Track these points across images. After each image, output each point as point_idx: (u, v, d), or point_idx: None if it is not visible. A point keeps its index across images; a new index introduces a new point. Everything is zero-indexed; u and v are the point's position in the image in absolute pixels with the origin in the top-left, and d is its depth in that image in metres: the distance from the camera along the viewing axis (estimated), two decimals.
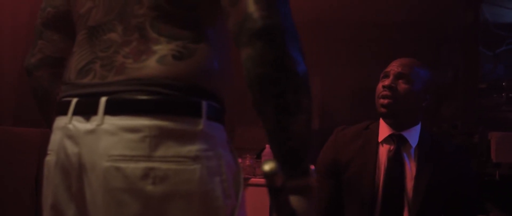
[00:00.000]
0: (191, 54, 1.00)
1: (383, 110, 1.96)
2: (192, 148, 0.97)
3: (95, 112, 0.99)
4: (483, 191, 2.76)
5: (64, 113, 1.06)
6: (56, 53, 1.26)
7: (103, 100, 0.99)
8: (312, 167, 1.00)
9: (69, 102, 1.05)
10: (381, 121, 2.04)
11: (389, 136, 1.99)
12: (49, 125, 1.30)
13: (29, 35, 3.06)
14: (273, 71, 0.91)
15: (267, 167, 0.89)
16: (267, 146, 3.27)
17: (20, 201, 2.68)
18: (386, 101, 1.94)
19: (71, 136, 1.02)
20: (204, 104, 1.00)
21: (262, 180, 3.05)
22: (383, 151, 1.99)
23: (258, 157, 3.36)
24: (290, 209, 0.96)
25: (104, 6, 1.08)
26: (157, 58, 0.99)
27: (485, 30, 3.67)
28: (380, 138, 2.00)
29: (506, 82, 2.96)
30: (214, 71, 1.03)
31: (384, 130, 2.01)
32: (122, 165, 0.95)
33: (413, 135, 1.98)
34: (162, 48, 1.00)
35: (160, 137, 0.95)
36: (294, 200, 0.97)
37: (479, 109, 3.07)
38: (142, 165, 0.94)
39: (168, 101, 0.97)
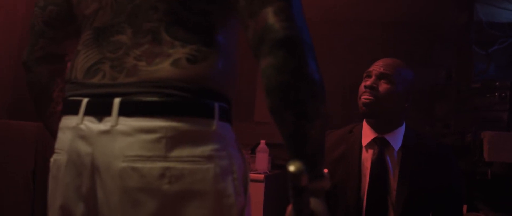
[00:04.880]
0: (204, 58, 1.03)
1: (363, 109, 1.97)
2: (206, 148, 1.00)
3: (108, 113, 1.01)
4: (475, 189, 2.79)
5: (74, 112, 1.07)
6: (59, 50, 1.27)
7: (117, 101, 1.01)
8: (326, 170, 1.04)
9: (79, 102, 1.06)
10: (365, 124, 2.05)
11: (373, 140, 2.00)
12: (43, 119, 1.31)
13: (25, 28, 3.05)
14: (294, 79, 0.95)
15: (293, 167, 0.91)
16: (262, 141, 3.28)
17: (16, 195, 2.68)
18: (366, 100, 1.95)
19: (84, 137, 1.04)
20: (216, 105, 1.03)
21: (257, 176, 3.09)
22: (367, 156, 1.99)
23: (253, 153, 3.38)
24: (310, 210, 0.99)
25: (112, 9, 1.09)
26: (171, 61, 1.01)
27: (478, 29, 3.70)
28: (364, 142, 2.02)
29: (499, 82, 2.98)
30: (224, 73, 1.06)
31: (367, 133, 2.02)
32: (139, 165, 0.98)
33: (396, 138, 1.98)
34: (177, 52, 1.02)
35: (175, 138, 0.98)
36: (312, 202, 1.00)
37: (472, 108, 3.09)
38: (159, 165, 0.98)
39: (182, 103, 1.00)
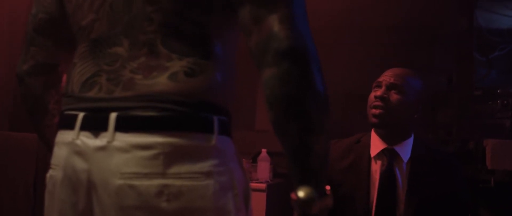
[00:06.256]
0: (202, 71, 1.01)
1: (374, 120, 1.96)
2: (205, 164, 0.97)
3: (104, 128, 0.99)
4: (478, 198, 2.78)
5: (70, 127, 1.05)
6: (49, 59, 1.24)
7: (113, 116, 0.99)
8: (328, 187, 1.01)
9: (75, 116, 1.04)
10: (373, 134, 2.04)
11: (382, 151, 1.99)
12: (39, 132, 1.29)
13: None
14: (299, 90, 0.92)
15: (302, 193, 0.88)
16: (263, 150, 3.27)
17: (17, 207, 2.66)
18: (377, 111, 1.94)
19: (80, 152, 1.02)
20: (215, 119, 1.01)
21: (258, 185, 3.07)
22: (376, 168, 1.98)
23: (254, 161, 3.37)
24: None
25: (109, 20, 1.07)
26: (168, 75, 0.99)
27: (478, 35, 3.69)
28: (373, 153, 2.00)
29: (501, 89, 2.98)
30: (223, 86, 1.04)
31: (376, 144, 2.01)
32: (136, 182, 0.95)
33: (405, 149, 1.98)
34: (174, 65, 1.00)
35: (173, 154, 0.96)
36: None
37: (474, 116, 3.08)
38: (156, 182, 0.95)
39: (180, 117, 0.98)
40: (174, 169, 0.96)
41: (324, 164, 0.97)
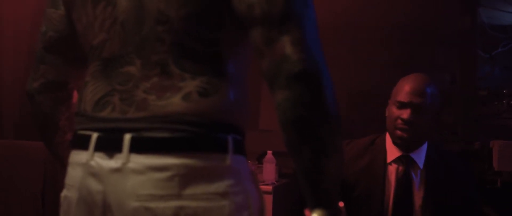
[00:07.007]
0: (216, 90, 1.01)
1: (399, 141, 1.96)
2: (220, 185, 0.98)
3: (119, 149, 0.99)
4: (485, 198, 2.79)
5: (84, 147, 1.05)
6: (60, 77, 1.24)
7: (127, 137, 0.99)
8: (341, 204, 1.02)
9: (88, 137, 1.04)
10: (388, 138, 2.04)
11: (398, 157, 2.00)
12: (50, 148, 1.30)
13: (31, 44, 3.00)
14: (312, 113, 0.92)
15: None
16: (269, 152, 3.26)
17: None
18: (405, 135, 1.94)
19: (95, 174, 1.02)
20: (229, 139, 1.01)
21: (264, 187, 3.06)
22: (392, 171, 2.00)
23: (259, 162, 3.36)
24: None
25: (120, 39, 1.06)
26: (182, 95, 0.99)
27: (481, 32, 3.69)
28: (389, 159, 2.02)
29: (507, 90, 2.98)
30: (236, 104, 1.04)
31: (392, 150, 2.02)
32: (152, 205, 0.96)
33: (420, 155, 2.00)
34: (187, 85, 1.00)
35: (188, 175, 0.96)
36: None
37: (480, 116, 3.09)
38: (173, 204, 0.96)
39: (194, 138, 0.98)
40: (190, 191, 0.96)
41: (336, 184, 0.98)
